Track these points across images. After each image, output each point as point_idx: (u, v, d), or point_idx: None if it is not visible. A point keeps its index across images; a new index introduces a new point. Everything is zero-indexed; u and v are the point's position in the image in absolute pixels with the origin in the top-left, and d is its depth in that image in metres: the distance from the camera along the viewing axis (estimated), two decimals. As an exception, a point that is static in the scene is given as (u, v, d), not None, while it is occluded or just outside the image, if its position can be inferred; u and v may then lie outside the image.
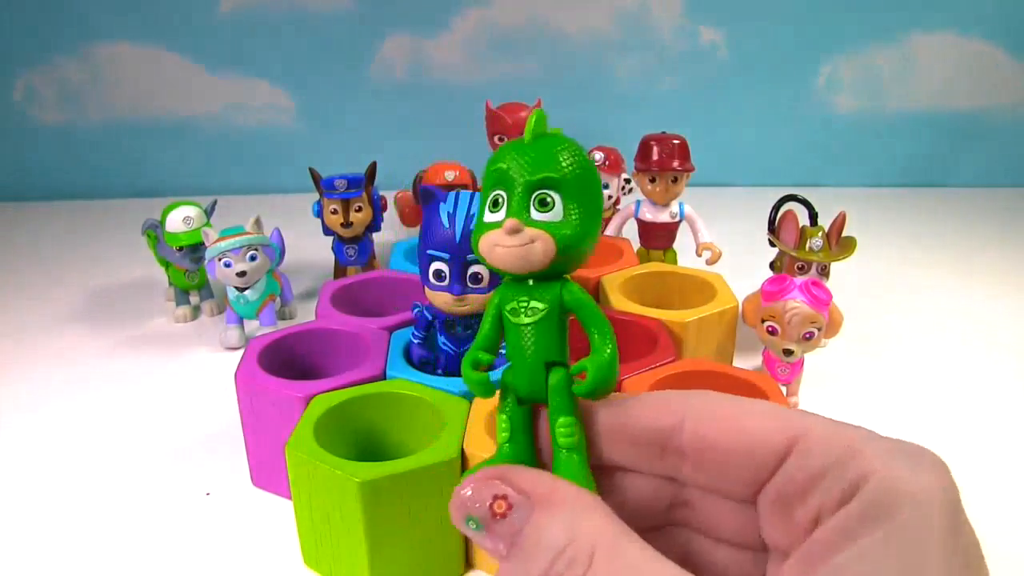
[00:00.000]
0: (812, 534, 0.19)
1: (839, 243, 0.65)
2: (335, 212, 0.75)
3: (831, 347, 0.67)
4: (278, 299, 0.72)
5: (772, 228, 0.67)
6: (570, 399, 0.22)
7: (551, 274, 0.23)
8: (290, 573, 0.43)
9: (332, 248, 0.79)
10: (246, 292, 0.68)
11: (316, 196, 0.76)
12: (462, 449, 0.40)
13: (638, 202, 0.76)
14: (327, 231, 0.77)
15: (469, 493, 0.20)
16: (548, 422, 0.23)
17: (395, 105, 1.21)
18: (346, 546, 0.40)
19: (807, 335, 0.53)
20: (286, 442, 0.41)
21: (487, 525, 0.20)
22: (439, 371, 0.49)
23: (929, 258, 0.93)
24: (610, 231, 0.77)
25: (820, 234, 0.64)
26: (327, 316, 0.57)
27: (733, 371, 0.49)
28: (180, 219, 0.72)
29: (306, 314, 0.76)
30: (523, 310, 0.23)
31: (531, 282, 0.23)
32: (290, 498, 0.43)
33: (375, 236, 0.80)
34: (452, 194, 0.45)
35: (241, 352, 0.56)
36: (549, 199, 0.22)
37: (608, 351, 0.22)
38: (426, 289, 0.46)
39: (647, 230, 0.76)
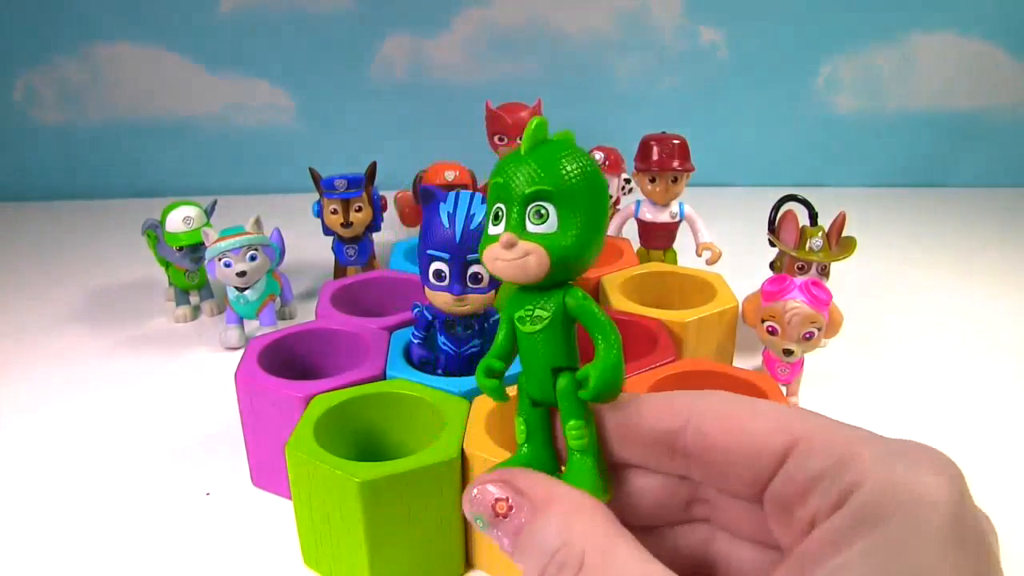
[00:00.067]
0: (805, 539, 0.19)
1: (839, 243, 0.65)
2: (335, 212, 0.75)
3: (831, 347, 0.67)
4: (278, 299, 0.72)
5: (772, 228, 0.67)
6: (578, 403, 0.23)
7: (553, 283, 0.23)
8: (290, 573, 0.43)
9: (332, 248, 0.79)
10: (246, 292, 0.68)
11: (316, 196, 0.76)
12: (462, 449, 0.40)
13: (638, 202, 0.76)
14: (327, 231, 0.77)
15: (475, 493, 0.22)
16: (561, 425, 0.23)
17: (395, 105, 1.21)
18: (346, 546, 0.40)
19: (807, 335, 0.53)
20: (286, 442, 0.41)
21: (491, 523, 0.21)
22: (439, 371, 0.49)
23: (929, 258, 0.93)
24: (610, 231, 0.77)
25: (820, 234, 0.64)
26: (327, 316, 0.57)
27: (733, 371, 0.49)
28: (180, 219, 0.72)
29: (306, 314, 0.76)
30: (529, 319, 0.23)
31: (536, 291, 0.23)
32: (290, 498, 0.43)
33: (375, 236, 0.80)
34: (452, 194, 0.45)
35: (241, 352, 0.56)
36: (544, 211, 0.22)
37: (611, 357, 0.22)
38: (426, 289, 0.46)
39: (647, 230, 0.76)
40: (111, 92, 1.20)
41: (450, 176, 0.79)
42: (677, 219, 0.75)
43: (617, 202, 0.86)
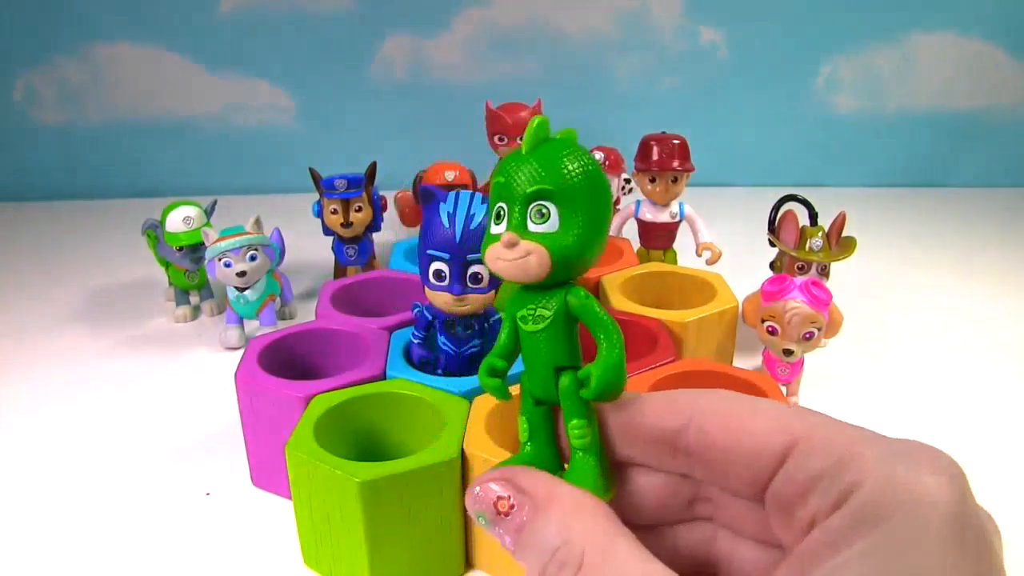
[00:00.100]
0: (805, 539, 0.19)
1: (839, 243, 0.65)
2: (335, 212, 0.75)
3: (831, 347, 0.67)
4: (278, 299, 0.72)
5: (772, 228, 0.67)
6: (581, 402, 0.23)
7: (554, 282, 0.23)
8: (290, 573, 0.43)
9: (332, 248, 0.79)
10: (246, 292, 0.68)
11: (316, 196, 0.76)
12: (462, 449, 0.40)
13: (638, 202, 0.76)
14: (327, 231, 0.77)
15: (478, 491, 0.22)
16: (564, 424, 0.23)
17: (395, 105, 1.21)
18: (346, 546, 0.40)
19: (807, 335, 0.53)
20: (286, 442, 0.41)
21: (493, 521, 0.21)
22: (439, 371, 0.49)
23: (929, 258, 0.93)
24: (610, 231, 0.77)
25: (820, 234, 0.64)
26: (327, 316, 0.57)
27: (733, 371, 0.49)
28: (180, 219, 0.72)
29: (306, 314, 0.76)
30: (531, 318, 0.23)
31: (537, 290, 0.23)
32: (290, 498, 0.43)
33: (375, 236, 0.80)
34: (452, 194, 0.45)
35: (241, 352, 0.56)
36: (545, 210, 0.22)
37: (613, 356, 0.22)
38: (426, 289, 0.46)
39: (647, 230, 0.76)
40: (111, 92, 1.20)
41: (450, 176, 0.79)
42: (677, 219, 0.75)
43: (617, 202, 0.86)
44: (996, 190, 1.21)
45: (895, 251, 0.94)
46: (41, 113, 1.21)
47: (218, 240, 0.66)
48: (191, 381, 0.65)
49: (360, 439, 0.46)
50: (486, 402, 0.43)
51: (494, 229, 0.23)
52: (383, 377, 0.48)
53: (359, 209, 0.75)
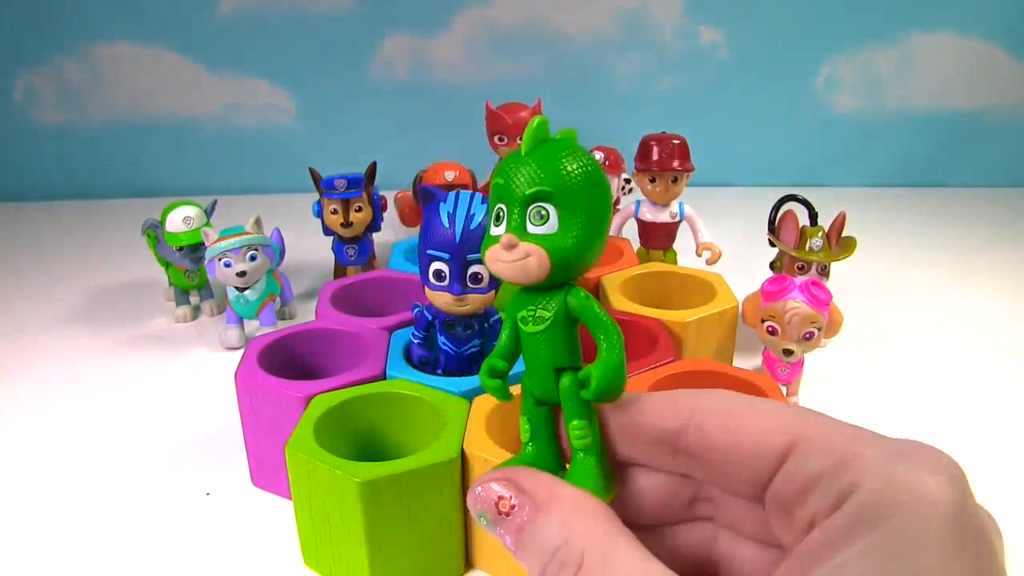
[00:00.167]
0: (804, 540, 0.19)
1: (839, 243, 0.65)
2: (335, 212, 0.75)
3: (831, 347, 0.67)
4: (278, 299, 0.72)
5: (772, 228, 0.67)
6: (581, 402, 0.23)
7: (554, 283, 0.23)
8: (290, 573, 0.43)
9: (332, 248, 0.79)
10: (246, 292, 0.68)
11: (316, 196, 0.76)
12: (462, 449, 0.40)
13: (638, 202, 0.76)
14: (327, 231, 0.77)
15: (479, 491, 0.22)
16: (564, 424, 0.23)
17: (395, 105, 1.21)
18: (346, 546, 0.40)
19: (807, 335, 0.53)
20: (286, 442, 0.41)
21: (494, 521, 0.21)
22: (439, 371, 0.49)
23: (929, 258, 0.93)
24: (610, 231, 0.77)
25: (820, 234, 0.64)
26: (327, 316, 0.57)
27: (733, 371, 0.49)
28: (180, 219, 0.72)
29: (306, 314, 0.76)
30: (531, 319, 0.23)
31: (537, 291, 0.23)
32: (290, 498, 0.43)
33: (375, 236, 0.80)
34: (452, 194, 0.45)
35: (241, 352, 0.56)
36: (544, 212, 0.22)
37: (614, 357, 0.22)
38: (426, 289, 0.46)
39: (647, 230, 0.76)
40: (111, 92, 1.20)
41: (450, 176, 0.79)
42: (677, 219, 0.75)
43: (617, 202, 0.86)
44: (996, 190, 1.21)
45: (895, 251, 0.94)
46: (41, 113, 1.21)
47: (218, 240, 0.66)
48: (191, 381, 0.65)
49: (360, 439, 0.46)
50: (486, 402, 0.43)
51: (494, 231, 0.23)
52: (383, 377, 0.48)
53: (359, 209, 0.75)
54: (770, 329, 0.54)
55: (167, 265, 0.77)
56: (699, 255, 0.75)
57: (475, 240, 0.43)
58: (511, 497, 0.21)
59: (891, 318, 0.75)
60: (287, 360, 0.53)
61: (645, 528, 0.22)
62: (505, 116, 0.83)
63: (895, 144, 1.23)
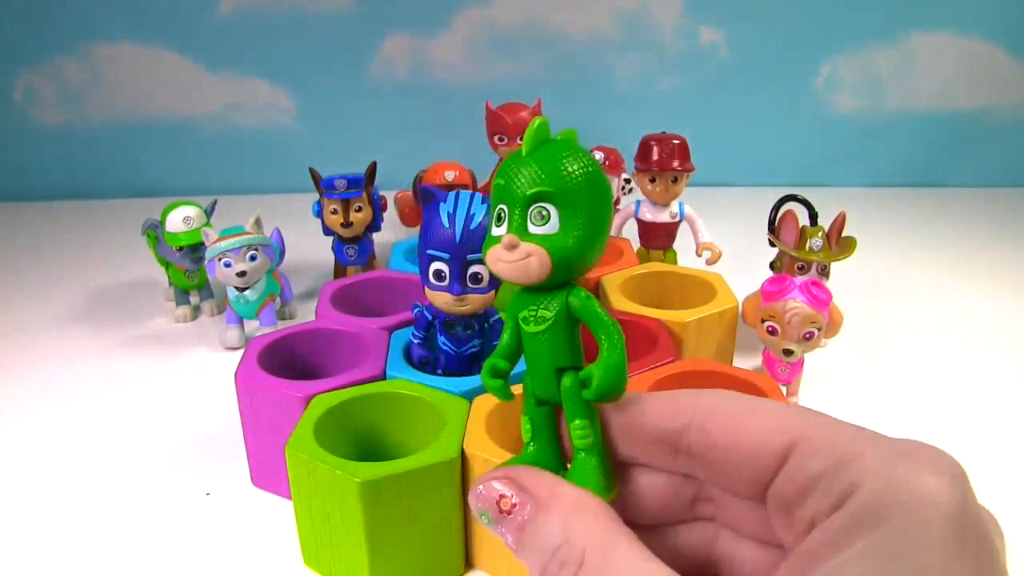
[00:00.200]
0: (805, 539, 0.19)
1: (839, 243, 0.65)
2: (335, 212, 0.75)
3: (831, 347, 0.67)
4: (278, 299, 0.72)
5: (772, 228, 0.67)
6: (583, 402, 0.23)
7: (555, 283, 0.23)
8: (290, 573, 0.43)
9: (332, 248, 0.79)
10: (246, 292, 0.68)
11: (316, 196, 0.76)
12: (462, 449, 0.40)
13: (638, 202, 0.76)
14: (327, 231, 0.77)
15: (481, 490, 0.22)
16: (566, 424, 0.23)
17: (395, 105, 1.21)
18: (346, 546, 0.40)
19: (807, 335, 0.53)
20: (286, 442, 0.41)
21: (496, 520, 0.21)
22: (439, 371, 0.49)
23: (929, 258, 0.93)
24: (610, 231, 0.77)
25: (820, 234, 0.64)
26: (327, 316, 0.57)
27: (733, 371, 0.49)
28: (180, 219, 0.72)
29: (306, 314, 0.76)
30: (532, 319, 0.23)
31: (539, 291, 0.23)
32: (290, 498, 0.43)
33: (375, 236, 0.80)
34: (452, 194, 0.45)
35: (241, 352, 0.56)
36: (545, 212, 0.22)
37: (615, 357, 0.22)
38: (426, 289, 0.46)
39: (647, 230, 0.76)
40: (111, 92, 1.20)
41: (450, 176, 0.79)
42: (677, 219, 0.75)
43: (617, 202, 0.86)
44: (996, 190, 1.21)
45: (895, 251, 0.94)
46: (41, 113, 1.21)
47: (218, 240, 0.66)
48: (191, 381, 0.65)
49: (360, 439, 0.46)
50: (486, 402, 0.43)
51: (495, 231, 0.23)
52: (383, 377, 0.48)
53: (359, 209, 0.75)
54: (770, 329, 0.54)
55: (167, 265, 0.77)
56: (699, 255, 0.75)
57: (475, 240, 0.43)
58: (512, 496, 0.21)
59: (891, 318, 0.75)
60: (287, 360, 0.53)
61: (646, 528, 0.23)
62: (505, 116, 0.83)
63: (895, 144, 1.23)
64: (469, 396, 0.45)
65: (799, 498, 0.19)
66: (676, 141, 0.72)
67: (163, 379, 0.66)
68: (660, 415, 0.22)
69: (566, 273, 0.22)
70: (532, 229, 0.22)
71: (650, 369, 0.48)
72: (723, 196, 1.12)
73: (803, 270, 0.65)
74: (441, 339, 0.48)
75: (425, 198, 0.45)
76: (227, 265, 0.65)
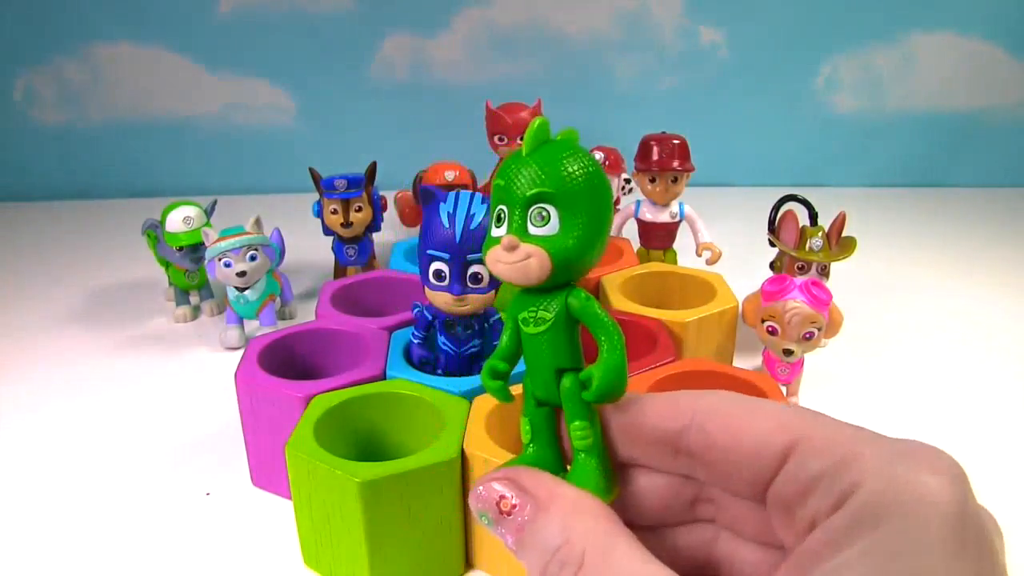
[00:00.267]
0: (805, 539, 0.19)
1: (839, 243, 0.65)
2: (335, 212, 0.75)
3: (831, 347, 0.67)
4: (278, 299, 0.72)
5: (772, 228, 0.67)
6: (583, 403, 0.23)
7: (555, 285, 0.23)
8: (290, 573, 0.43)
9: (332, 248, 0.79)
10: (246, 292, 0.68)
11: (316, 196, 0.76)
12: (462, 449, 0.40)
13: (638, 202, 0.76)
14: (327, 231, 0.77)
15: (481, 491, 0.22)
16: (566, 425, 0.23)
17: (395, 105, 1.21)
18: (346, 546, 0.40)
19: (807, 335, 0.53)
20: (286, 442, 0.41)
21: (496, 521, 0.21)
22: (439, 371, 0.49)
23: (929, 258, 0.93)
24: (610, 231, 0.77)
25: (820, 234, 0.64)
26: (327, 316, 0.57)
27: (733, 371, 0.49)
28: (180, 219, 0.72)
29: (306, 314, 0.76)
30: (532, 320, 0.23)
31: (538, 293, 0.23)
32: (290, 498, 0.43)
33: (375, 236, 0.80)
34: (452, 194, 0.45)
35: (241, 352, 0.56)
36: (545, 213, 0.22)
37: (615, 358, 0.22)
38: (426, 289, 0.46)
39: (647, 230, 0.76)
40: (111, 92, 1.20)
41: (450, 176, 0.79)
42: (677, 219, 0.75)
43: (617, 202, 0.86)
44: (996, 190, 1.21)
45: (895, 251, 0.94)
46: (41, 113, 1.21)
47: (218, 240, 0.66)
48: (191, 381, 0.65)
49: (360, 439, 0.46)
50: (486, 402, 0.43)
51: (495, 232, 0.23)
52: (383, 377, 0.48)
53: (359, 209, 0.75)
54: (770, 329, 0.54)
55: (167, 265, 0.77)
56: (699, 255, 0.75)
57: (475, 240, 0.43)
58: (512, 497, 0.21)
59: (891, 318, 0.75)
60: (287, 360, 0.53)
61: (646, 529, 0.23)
62: (505, 116, 0.83)
63: (895, 144, 1.23)
64: (469, 396, 0.45)
65: (799, 498, 0.19)
66: (676, 141, 0.72)
67: (163, 379, 0.66)
68: (660, 416, 0.22)
69: (566, 274, 0.22)
70: (532, 230, 0.22)
71: (650, 369, 0.48)
72: (723, 196, 1.12)
73: (803, 270, 0.65)
74: (441, 339, 0.48)
75: (425, 198, 0.45)
76: (227, 265, 0.65)
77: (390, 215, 0.85)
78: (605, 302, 0.61)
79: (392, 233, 0.95)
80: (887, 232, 1.01)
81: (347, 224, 0.75)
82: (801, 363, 0.57)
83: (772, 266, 0.70)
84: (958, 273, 0.88)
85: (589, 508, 0.21)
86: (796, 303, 0.53)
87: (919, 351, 0.69)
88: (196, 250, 0.72)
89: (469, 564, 0.44)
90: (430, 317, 0.48)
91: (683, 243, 0.77)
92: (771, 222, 0.67)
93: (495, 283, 0.46)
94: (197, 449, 0.55)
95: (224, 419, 0.57)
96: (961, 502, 0.17)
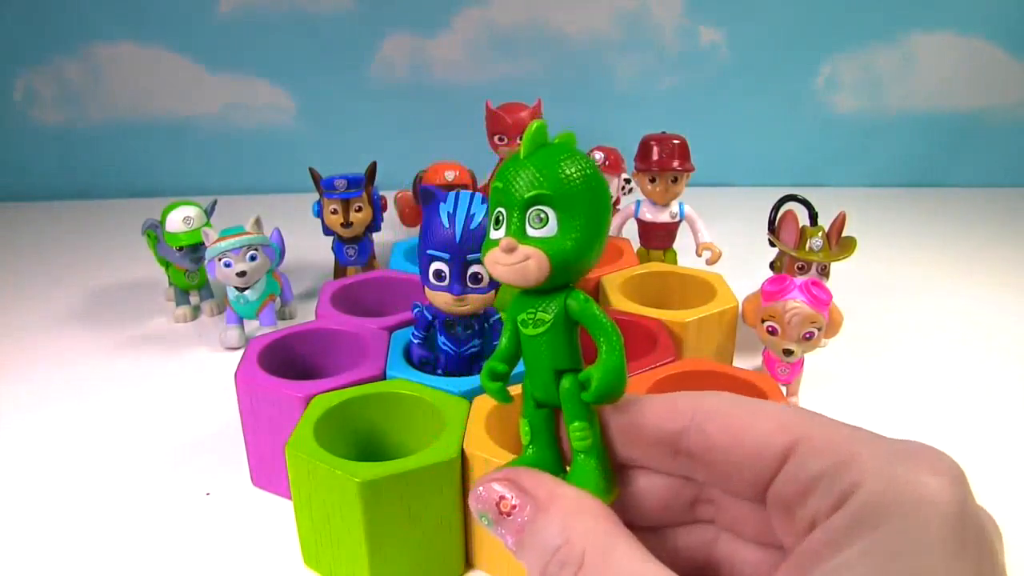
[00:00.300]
0: (805, 540, 0.19)
1: (839, 243, 0.65)
2: (335, 212, 0.75)
3: (831, 347, 0.67)
4: (278, 299, 0.72)
5: (772, 228, 0.67)
6: (582, 404, 0.23)
7: (554, 286, 0.23)
8: (290, 573, 0.43)
9: (332, 248, 0.79)
10: (246, 292, 0.68)
11: (316, 196, 0.76)
12: (462, 449, 0.40)
13: (638, 202, 0.76)
14: (327, 231, 0.77)
15: (481, 491, 0.22)
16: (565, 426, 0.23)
17: (395, 105, 1.21)
18: (346, 546, 0.40)
19: (807, 335, 0.53)
20: (286, 442, 0.41)
21: (496, 521, 0.21)
22: (439, 371, 0.49)
23: (929, 258, 0.93)
24: (610, 231, 0.77)
25: (820, 234, 0.64)
26: (327, 316, 0.57)
27: (733, 371, 0.49)
28: (180, 219, 0.72)
29: (306, 314, 0.76)
30: (531, 322, 0.23)
31: (537, 294, 0.23)
32: (290, 498, 0.43)
33: (375, 236, 0.80)
34: (452, 194, 0.45)
35: (241, 352, 0.56)
36: (544, 215, 0.22)
37: (614, 359, 0.22)
38: (426, 289, 0.46)
39: (647, 230, 0.76)
40: (111, 92, 1.20)
41: (450, 176, 0.79)
42: (677, 219, 0.75)
43: (617, 202, 0.86)
44: (996, 190, 1.21)
45: (895, 251, 0.94)
46: (41, 113, 1.21)
47: (218, 240, 0.66)
48: (191, 381, 0.65)
49: (360, 439, 0.46)
50: (486, 402, 0.43)
51: (493, 234, 0.23)
52: (383, 377, 0.48)
53: (359, 209, 0.75)
54: (770, 329, 0.54)
55: (167, 265, 0.77)
56: (699, 255, 0.75)
57: (475, 240, 0.43)
58: (512, 497, 0.21)
59: (891, 318, 0.75)
60: (287, 360, 0.53)
61: (646, 530, 0.23)
62: (505, 116, 0.83)
63: (895, 144, 1.23)
64: (469, 396, 0.45)
65: (800, 498, 0.19)
66: (676, 141, 0.72)
67: (163, 379, 0.66)
68: (660, 417, 0.22)
69: (564, 276, 0.23)
70: (530, 232, 0.22)
71: (650, 369, 0.48)
72: (723, 196, 1.12)
73: (803, 270, 0.65)
74: (441, 339, 0.48)
75: (425, 198, 0.45)
76: (227, 265, 0.65)
77: (390, 215, 0.85)
78: (605, 302, 0.61)
79: (392, 233, 0.95)
80: (887, 232, 1.01)
81: (347, 224, 0.75)
82: (801, 363, 0.57)
83: (772, 266, 0.70)
84: (958, 273, 0.88)
85: (589, 508, 0.21)
86: (796, 303, 0.53)
87: (919, 351, 0.69)
88: (196, 250, 0.72)
89: (469, 564, 0.44)
90: (430, 317, 0.48)
91: (683, 243, 0.77)
92: (771, 222, 0.67)
93: (495, 283, 0.46)
94: (197, 449, 0.55)
95: (224, 419, 0.57)
96: (961, 503, 0.17)
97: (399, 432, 0.46)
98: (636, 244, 0.76)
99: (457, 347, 0.48)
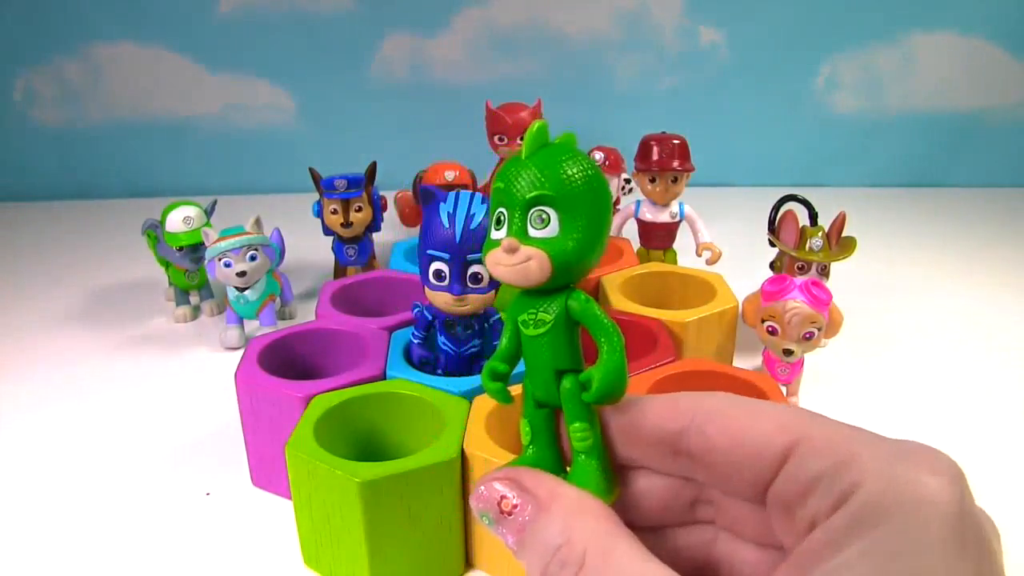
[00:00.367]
0: (805, 539, 0.19)
1: (839, 243, 0.65)
2: (335, 212, 0.75)
3: (831, 347, 0.67)
4: (278, 299, 0.72)
5: (772, 228, 0.67)
6: (582, 404, 0.23)
7: (555, 287, 0.23)
8: (290, 573, 0.43)
9: (332, 248, 0.79)
10: (246, 292, 0.68)
11: (316, 196, 0.76)
12: (462, 449, 0.40)
13: (638, 202, 0.76)
14: (327, 231, 0.77)
15: (482, 491, 0.22)
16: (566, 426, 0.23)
17: (395, 105, 1.21)
18: (346, 546, 0.40)
19: (807, 335, 0.53)
20: (286, 442, 0.41)
21: (497, 521, 0.21)
22: (439, 371, 0.49)
23: (929, 258, 0.93)
24: (610, 231, 0.77)
25: (820, 234, 0.64)
26: (327, 316, 0.57)
27: (733, 371, 0.49)
28: (180, 219, 0.72)
29: (306, 314, 0.76)
30: (532, 322, 0.23)
31: (538, 294, 0.23)
32: (290, 498, 0.43)
33: (375, 236, 0.80)
34: (452, 194, 0.45)
35: (241, 352, 0.56)
36: (545, 216, 0.22)
37: (614, 360, 0.22)
38: (426, 289, 0.46)
39: (647, 230, 0.76)
40: (111, 92, 1.20)
41: (450, 176, 0.79)
42: (677, 219, 0.75)
43: (617, 202, 0.86)
44: (996, 190, 1.21)
45: (895, 251, 0.94)
46: (41, 113, 1.21)
47: (218, 240, 0.66)
48: (191, 381, 0.65)
49: (360, 439, 0.46)
50: (486, 402, 0.43)
51: (494, 234, 0.23)
52: (383, 377, 0.48)
53: (359, 209, 0.75)
54: (770, 329, 0.54)
55: (167, 265, 0.77)
56: (699, 255, 0.75)
57: (475, 240, 0.43)
58: (513, 497, 0.21)
59: (891, 318, 0.75)
60: (287, 360, 0.53)
61: (646, 530, 0.23)
62: (505, 116, 0.83)
63: (895, 144, 1.23)
64: (469, 396, 0.45)
65: (799, 498, 0.19)
66: (676, 141, 0.72)
67: (163, 379, 0.66)
68: (660, 417, 0.22)
69: (566, 276, 0.23)
70: (532, 232, 0.22)
71: (650, 369, 0.48)
72: (723, 196, 1.12)
73: (803, 270, 0.65)
74: (441, 339, 0.48)
75: (425, 198, 0.45)
76: (227, 265, 0.65)
77: (390, 215, 0.85)
78: (605, 302, 0.61)
79: (392, 233, 0.95)
80: (887, 232, 1.01)
81: (347, 224, 0.75)
82: (801, 363, 0.57)
83: (772, 266, 0.70)
84: (958, 273, 0.88)
85: (590, 508, 0.21)
86: (796, 303, 0.53)
87: (919, 351, 0.69)
88: (196, 250, 0.72)
89: (469, 564, 0.44)
90: (430, 317, 0.48)
91: (683, 243, 0.77)
92: (771, 222, 0.67)
93: (495, 283, 0.46)
94: (197, 449, 0.55)
95: (224, 419, 0.57)
96: (960, 503, 0.17)
97: (399, 432, 0.46)
98: (636, 244, 0.76)
99: (457, 347, 0.48)
